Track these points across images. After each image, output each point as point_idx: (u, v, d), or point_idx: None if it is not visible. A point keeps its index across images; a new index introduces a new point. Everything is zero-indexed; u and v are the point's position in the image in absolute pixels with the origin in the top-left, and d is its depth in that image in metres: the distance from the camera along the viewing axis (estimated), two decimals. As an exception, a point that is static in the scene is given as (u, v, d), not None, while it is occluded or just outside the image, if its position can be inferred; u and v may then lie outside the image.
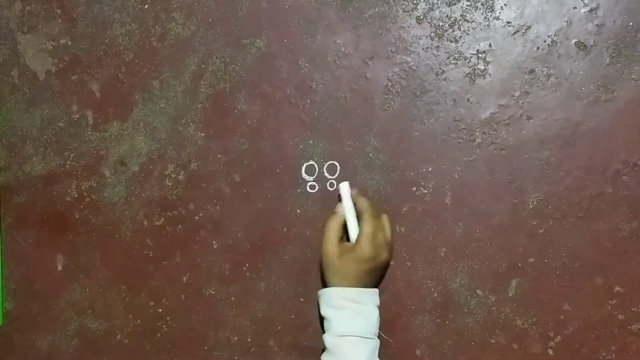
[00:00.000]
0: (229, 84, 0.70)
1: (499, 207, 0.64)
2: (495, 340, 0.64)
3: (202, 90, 0.70)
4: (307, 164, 0.68)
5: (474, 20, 0.65)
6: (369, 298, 0.59)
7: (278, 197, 0.69)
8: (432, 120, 0.66)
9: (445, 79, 0.66)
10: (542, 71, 0.64)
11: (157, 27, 0.71)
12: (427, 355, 0.65)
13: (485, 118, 0.65)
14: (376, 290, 0.60)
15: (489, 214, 0.64)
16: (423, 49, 0.66)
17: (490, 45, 0.65)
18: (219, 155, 0.70)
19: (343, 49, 0.68)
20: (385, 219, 0.62)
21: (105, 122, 0.73)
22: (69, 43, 0.73)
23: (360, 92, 0.67)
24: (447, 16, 0.65)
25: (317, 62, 0.68)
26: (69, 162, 0.73)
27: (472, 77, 0.65)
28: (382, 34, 0.67)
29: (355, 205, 0.63)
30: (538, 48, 0.64)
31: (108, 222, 0.72)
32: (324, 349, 0.60)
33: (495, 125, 0.65)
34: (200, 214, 0.70)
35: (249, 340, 0.69)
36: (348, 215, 0.63)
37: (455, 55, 0.65)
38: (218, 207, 0.70)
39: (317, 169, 0.68)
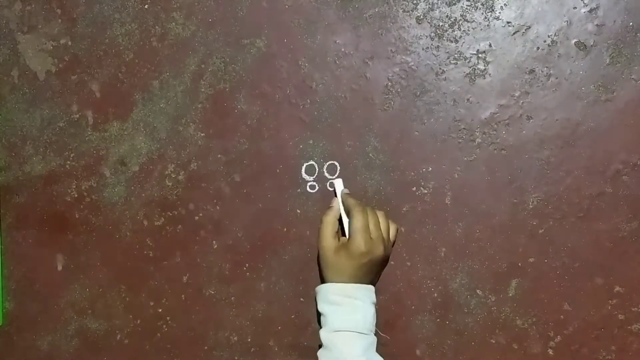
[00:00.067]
0: (229, 84, 0.70)
1: (499, 207, 0.64)
2: (495, 340, 0.64)
3: (202, 90, 0.70)
4: (307, 164, 0.68)
5: (474, 20, 0.65)
6: (365, 294, 0.59)
7: (278, 197, 0.69)
8: (432, 120, 0.66)
9: (445, 79, 0.66)
10: (542, 71, 0.64)
11: (157, 27, 0.71)
12: (427, 355, 0.65)
13: (485, 118, 0.65)
14: (372, 287, 0.61)
15: (489, 214, 0.65)
16: (423, 49, 0.66)
17: (490, 45, 0.65)
18: (219, 155, 0.70)
19: (343, 49, 0.68)
20: (381, 215, 0.62)
21: (105, 122, 0.73)
22: (69, 43, 0.73)
23: (360, 92, 0.67)
24: (447, 16, 0.65)
25: (317, 62, 0.68)
26: (69, 162, 0.73)
27: (472, 77, 0.65)
28: (382, 34, 0.67)
29: (343, 203, 0.63)
30: (538, 48, 0.64)
31: (108, 222, 0.72)
32: (320, 345, 0.60)
33: (495, 125, 0.65)
34: (200, 214, 0.70)
35: (249, 340, 0.69)
36: (343, 210, 0.63)
37: (455, 55, 0.65)
38: (218, 207, 0.70)
39: (317, 169, 0.68)
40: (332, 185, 0.67)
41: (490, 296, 0.64)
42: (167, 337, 0.71)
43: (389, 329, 0.65)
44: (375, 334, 0.60)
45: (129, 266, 0.72)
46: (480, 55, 0.65)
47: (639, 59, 0.62)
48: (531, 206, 0.64)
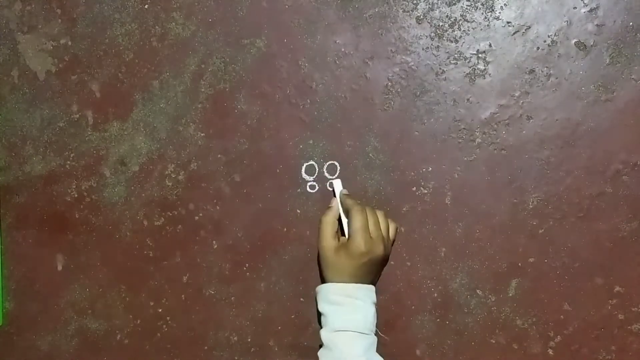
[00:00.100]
0: (229, 84, 0.70)
1: (499, 207, 0.64)
2: (495, 340, 0.64)
3: (202, 90, 0.70)
4: (307, 164, 0.68)
5: (474, 20, 0.65)
6: (366, 294, 0.59)
7: (278, 197, 0.69)
8: (432, 120, 0.66)
9: (445, 79, 0.66)
10: (542, 71, 0.64)
11: (157, 27, 0.71)
12: (427, 355, 0.65)
13: (485, 118, 0.65)
14: (373, 287, 0.61)
15: (489, 214, 0.65)
16: (423, 49, 0.66)
17: (490, 45, 0.65)
18: (219, 155, 0.70)
19: (343, 49, 0.68)
20: (381, 215, 0.62)
21: (105, 122, 0.73)
22: (69, 43, 0.73)
23: (360, 92, 0.67)
24: (447, 16, 0.65)
25: (317, 62, 0.68)
26: (69, 162, 0.73)
27: (472, 77, 0.65)
28: (382, 34, 0.67)
29: (342, 204, 0.63)
30: (538, 48, 0.64)
31: (108, 222, 0.72)
32: (321, 345, 0.60)
33: (495, 125, 0.65)
34: (200, 214, 0.70)
35: (249, 340, 0.69)
36: (342, 210, 0.63)
37: (455, 55, 0.65)
38: (218, 207, 0.70)
39: (317, 169, 0.68)
40: (331, 185, 0.67)
41: (490, 296, 0.64)
42: (167, 337, 0.71)
43: (389, 329, 0.65)
44: (375, 334, 0.60)
45: (129, 266, 0.72)
46: (480, 55, 0.65)
47: (639, 59, 0.62)
48: (531, 206, 0.64)
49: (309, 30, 0.68)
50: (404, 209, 0.66)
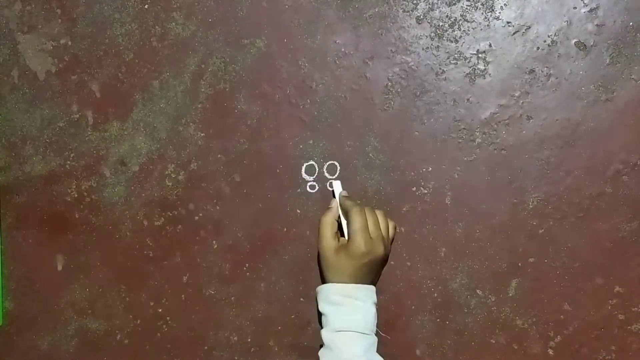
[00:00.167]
0: (229, 84, 0.70)
1: (499, 207, 0.64)
2: (495, 340, 0.64)
3: (202, 90, 0.70)
4: (307, 164, 0.68)
5: (474, 20, 0.65)
6: (366, 294, 0.59)
7: (278, 197, 0.69)
8: (432, 120, 0.66)
9: (445, 79, 0.66)
10: (542, 71, 0.64)
11: (157, 27, 0.71)
12: (427, 355, 0.65)
13: (485, 118, 0.65)
14: (373, 287, 0.61)
15: (489, 214, 0.65)
16: (423, 49, 0.66)
17: (490, 45, 0.65)
18: (219, 155, 0.70)
19: (343, 49, 0.68)
20: (380, 214, 0.62)
21: (105, 122, 0.73)
22: (69, 43, 0.73)
23: (360, 92, 0.67)
24: (447, 16, 0.65)
25: (317, 62, 0.68)
26: (69, 162, 0.73)
27: (472, 77, 0.65)
28: (382, 34, 0.67)
29: (341, 205, 0.63)
30: (538, 48, 0.64)
31: (108, 222, 0.72)
32: (321, 345, 0.60)
33: (495, 125, 0.65)
34: (200, 214, 0.70)
35: (249, 340, 0.69)
36: (341, 211, 0.63)
37: (455, 55, 0.65)
38: (218, 207, 0.70)
39: (317, 169, 0.68)
40: (331, 185, 0.67)
41: (490, 296, 0.64)
42: (167, 337, 0.71)
43: (389, 329, 0.65)
44: (376, 334, 0.60)
45: (129, 266, 0.72)
46: (480, 55, 0.65)
47: (639, 59, 0.62)
48: (531, 206, 0.64)
49: (309, 30, 0.68)
50: (404, 209, 0.66)
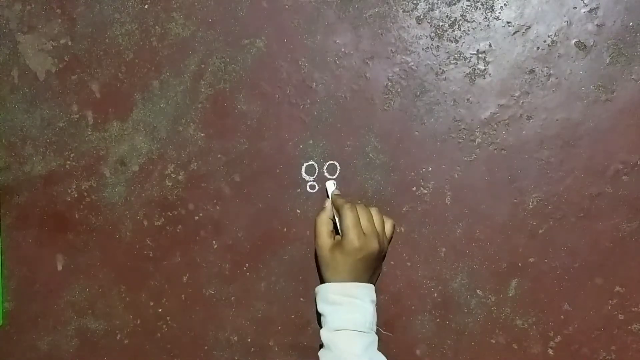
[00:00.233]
0: (229, 84, 0.70)
1: (499, 207, 0.64)
2: (495, 340, 0.64)
3: (202, 90, 0.70)
4: (307, 164, 0.68)
5: (474, 20, 0.65)
6: (364, 293, 0.59)
7: (278, 197, 0.69)
8: (432, 120, 0.66)
9: (445, 79, 0.66)
10: (542, 71, 0.64)
11: (157, 27, 0.71)
12: (427, 355, 0.65)
13: (485, 118, 0.65)
14: (372, 285, 0.61)
15: (489, 214, 0.64)
16: (423, 49, 0.66)
17: (490, 45, 0.65)
18: (219, 155, 0.70)
19: (343, 49, 0.68)
20: (374, 211, 0.62)
21: (105, 122, 0.73)
22: (69, 43, 0.73)
23: (360, 92, 0.67)
24: (447, 16, 0.65)
25: (317, 62, 0.68)
26: (69, 162, 0.73)
27: (472, 77, 0.65)
28: (382, 34, 0.67)
29: (333, 204, 0.64)
30: (538, 48, 0.64)
31: (108, 222, 0.72)
32: (321, 345, 0.60)
33: (495, 125, 0.65)
34: (200, 214, 0.70)
35: (249, 340, 0.69)
36: (335, 210, 0.63)
37: (455, 55, 0.65)
38: (218, 207, 0.70)
39: (317, 169, 0.68)
40: (325, 186, 0.67)
41: (490, 296, 0.64)
42: (167, 337, 0.71)
43: (389, 329, 0.65)
44: (376, 332, 0.60)
45: (129, 266, 0.72)
46: (480, 55, 0.65)
47: (639, 59, 0.62)
48: (531, 206, 0.64)
49: (309, 30, 0.68)
50: (404, 209, 0.66)
